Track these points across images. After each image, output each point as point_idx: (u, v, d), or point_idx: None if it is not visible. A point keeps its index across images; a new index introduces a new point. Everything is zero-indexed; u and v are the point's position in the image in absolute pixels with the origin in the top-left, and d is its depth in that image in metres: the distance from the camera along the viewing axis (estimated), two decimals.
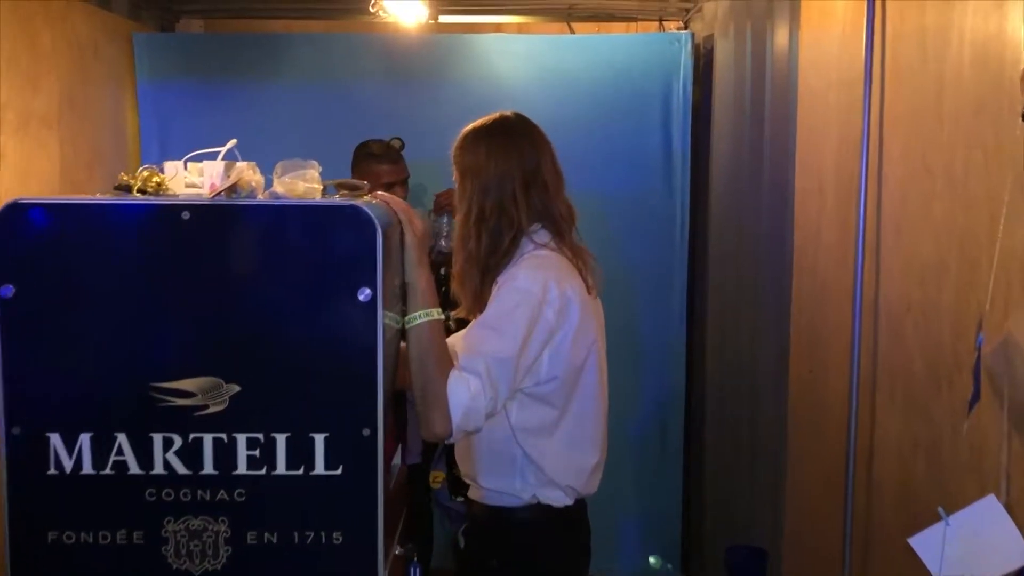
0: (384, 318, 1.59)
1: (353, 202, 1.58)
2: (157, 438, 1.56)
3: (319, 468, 1.56)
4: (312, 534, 1.57)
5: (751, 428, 3.00)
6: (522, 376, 1.81)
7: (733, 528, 3.19)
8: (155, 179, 1.68)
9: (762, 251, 2.93)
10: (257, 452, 1.56)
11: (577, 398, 1.90)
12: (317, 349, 1.56)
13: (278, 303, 1.56)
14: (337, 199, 1.67)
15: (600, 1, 3.88)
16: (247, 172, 1.62)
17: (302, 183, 1.62)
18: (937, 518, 1.42)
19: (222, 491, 1.57)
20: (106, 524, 1.57)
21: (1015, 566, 1.36)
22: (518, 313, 1.79)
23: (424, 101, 3.69)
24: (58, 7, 3.18)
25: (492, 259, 1.87)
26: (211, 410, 1.55)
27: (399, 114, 3.65)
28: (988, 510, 1.40)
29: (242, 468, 1.56)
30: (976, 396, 1.43)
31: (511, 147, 1.89)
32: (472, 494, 1.97)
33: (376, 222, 1.55)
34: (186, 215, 1.55)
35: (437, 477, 3.41)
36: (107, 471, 1.56)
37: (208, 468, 1.56)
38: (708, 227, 3.66)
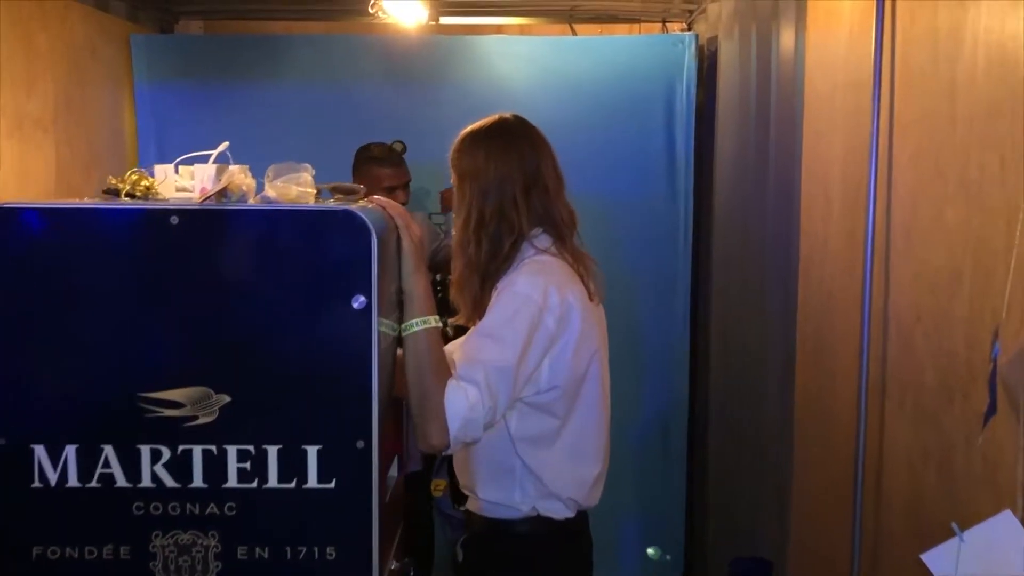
0: (380, 326, 1.55)
1: (347, 207, 1.53)
2: (145, 450, 1.52)
3: (312, 481, 1.52)
4: (305, 550, 1.52)
5: (756, 435, 2.96)
6: (522, 385, 1.76)
7: (738, 538, 3.14)
8: (144, 183, 1.64)
9: (767, 256, 2.88)
10: (248, 465, 1.52)
11: (578, 408, 1.85)
12: (310, 358, 1.51)
13: (270, 311, 1.52)
14: (331, 204, 1.63)
15: (603, 2, 3.83)
16: (238, 176, 1.58)
17: (295, 187, 1.57)
18: (950, 533, 1.37)
19: (212, 505, 1.52)
20: (92, 539, 1.52)
21: None
22: (518, 320, 1.75)
23: (425, 103, 3.66)
24: (55, 9, 3.15)
25: (492, 265, 1.83)
26: (200, 421, 1.51)
27: (399, 116, 3.62)
28: (1004, 526, 1.35)
29: (232, 481, 1.52)
30: (992, 408, 1.38)
31: (510, 150, 1.85)
32: (471, 506, 1.92)
33: (371, 227, 1.51)
34: (174, 220, 1.50)
35: (439, 485, 3.37)
36: (93, 484, 1.52)
37: (197, 481, 1.52)
38: (712, 231, 3.62)
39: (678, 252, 3.71)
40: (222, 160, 1.67)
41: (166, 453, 1.52)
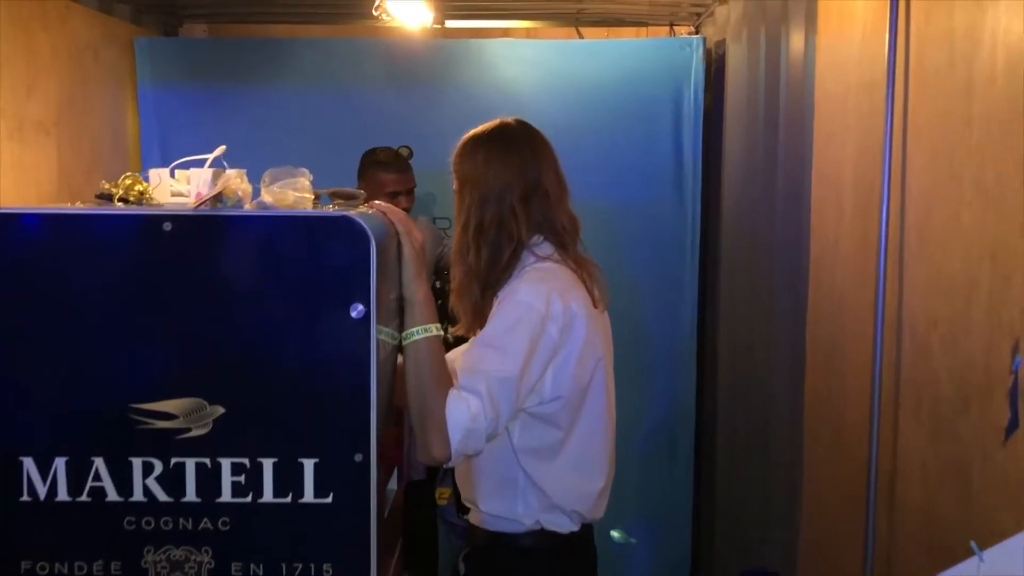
0: (379, 334, 1.51)
1: (346, 213, 1.49)
2: (136, 463, 1.48)
3: (308, 496, 1.47)
4: (300, 566, 1.48)
5: (764, 442, 2.91)
6: (525, 396, 1.72)
7: (746, 547, 3.09)
8: (138, 187, 1.60)
9: (777, 261, 2.84)
10: (242, 478, 1.47)
11: (583, 418, 1.80)
12: (307, 369, 1.47)
13: (265, 320, 1.47)
14: (329, 209, 1.58)
15: (609, 5, 3.79)
16: (234, 180, 1.53)
17: (292, 192, 1.53)
18: (967, 550, 1.32)
19: (205, 519, 1.48)
20: (82, 554, 1.48)
21: None
22: (520, 329, 1.70)
23: (429, 107, 3.63)
24: (57, 12, 3.12)
25: (492, 273, 1.78)
26: (194, 433, 1.47)
27: (404, 120, 3.60)
28: None
29: (226, 495, 1.48)
30: (1014, 423, 1.33)
31: (511, 156, 1.80)
32: (473, 518, 1.87)
33: (370, 234, 1.46)
34: (168, 226, 1.46)
35: (443, 493, 3.33)
36: (83, 498, 1.48)
37: (190, 495, 1.48)
38: (720, 236, 3.58)
39: (685, 256, 3.67)
40: (218, 165, 1.63)
41: (158, 466, 1.47)
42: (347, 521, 1.47)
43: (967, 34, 1.64)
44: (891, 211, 1.98)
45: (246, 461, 1.47)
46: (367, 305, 1.46)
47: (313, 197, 1.57)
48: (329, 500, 1.47)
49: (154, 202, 1.61)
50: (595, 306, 1.83)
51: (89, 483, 1.48)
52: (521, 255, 1.79)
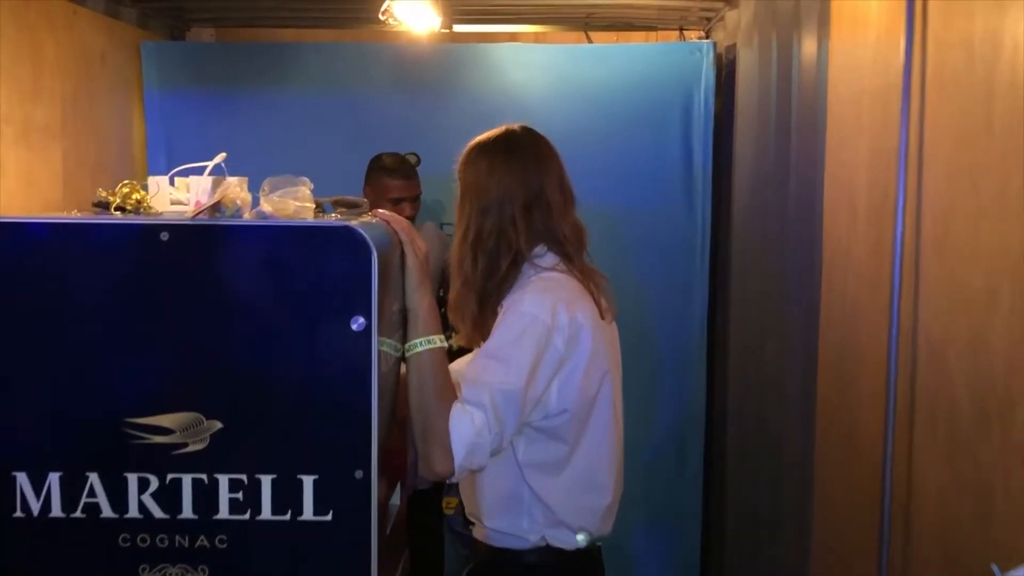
0: (381, 346, 1.47)
1: (346, 223, 1.45)
2: (132, 478, 1.44)
3: (307, 513, 1.44)
4: None
5: (775, 454, 2.86)
6: (530, 409, 1.68)
7: (756, 564, 3.04)
8: (135, 196, 1.57)
9: (788, 269, 2.79)
10: (240, 495, 1.44)
11: (589, 432, 1.76)
12: (306, 383, 1.44)
13: (264, 333, 1.44)
14: (330, 219, 1.55)
15: (619, 10, 3.75)
16: (233, 189, 1.50)
17: (292, 201, 1.49)
18: (988, 573, 1.27)
19: (202, 537, 1.45)
20: (76, 572, 1.45)
21: None
22: (525, 341, 1.66)
23: (436, 112, 3.60)
24: (63, 16, 3.10)
25: (490, 283, 1.74)
26: (190, 448, 1.43)
27: (411, 125, 3.57)
28: None
29: (224, 512, 1.44)
30: None
31: (514, 165, 1.77)
32: (477, 534, 1.83)
33: (371, 244, 1.43)
34: (165, 236, 1.43)
35: (450, 503, 3.29)
36: (78, 514, 1.45)
37: (187, 512, 1.44)
38: (730, 243, 3.53)
39: (695, 263, 3.65)
40: (218, 172, 1.59)
41: (154, 482, 1.44)
42: (347, 540, 1.44)
43: (987, 37, 1.60)
44: (906, 219, 1.93)
45: (244, 477, 1.44)
46: (368, 318, 1.42)
47: (314, 206, 1.53)
48: (329, 518, 1.44)
49: (152, 211, 1.58)
50: (602, 317, 1.79)
51: (83, 499, 1.44)
52: (521, 266, 1.75)
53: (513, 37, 4.16)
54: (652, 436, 3.62)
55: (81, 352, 1.43)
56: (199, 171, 1.63)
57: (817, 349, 2.52)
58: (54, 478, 1.44)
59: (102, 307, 1.43)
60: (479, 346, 1.75)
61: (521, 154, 1.78)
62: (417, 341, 1.63)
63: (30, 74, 2.88)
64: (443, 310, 1.87)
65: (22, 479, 1.44)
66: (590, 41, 4.03)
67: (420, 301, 1.64)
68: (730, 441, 3.50)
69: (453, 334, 1.88)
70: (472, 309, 1.75)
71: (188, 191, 1.65)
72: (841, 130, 2.38)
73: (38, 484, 1.44)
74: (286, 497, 1.44)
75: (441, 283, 3.12)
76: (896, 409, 1.96)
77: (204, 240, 1.44)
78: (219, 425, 1.43)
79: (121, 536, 1.44)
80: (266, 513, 1.44)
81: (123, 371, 1.43)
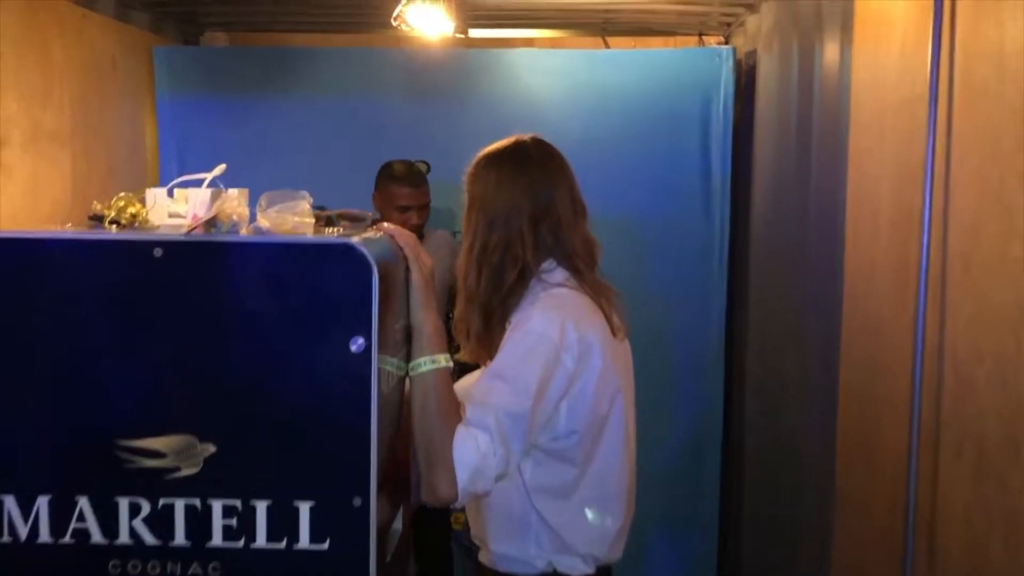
0: (384, 365, 1.41)
1: (347, 239, 1.39)
2: (123, 503, 1.39)
3: (304, 541, 1.38)
4: None
5: (795, 460, 2.78)
6: (537, 431, 1.62)
7: (774, 565, 2.96)
8: (131, 209, 1.52)
9: (808, 280, 2.72)
10: (234, 521, 1.38)
11: (599, 454, 1.70)
12: (303, 406, 1.38)
13: (260, 354, 1.38)
14: (329, 235, 1.49)
15: (637, 14, 3.69)
16: (230, 203, 1.45)
17: (291, 217, 1.44)
18: None
19: (195, 565, 1.39)
20: None
21: None
22: (532, 360, 1.60)
23: (450, 118, 3.55)
24: (73, 21, 3.08)
25: (494, 298, 1.68)
26: (183, 473, 1.38)
27: (424, 131, 3.53)
28: None
29: (217, 539, 1.39)
30: None
31: (522, 177, 1.71)
32: (482, 558, 1.77)
33: (372, 262, 1.37)
34: (158, 252, 1.38)
35: (459, 518, 3.24)
36: (66, 539, 1.39)
37: (179, 539, 1.39)
38: (749, 254, 3.46)
39: (713, 274, 3.59)
40: (215, 185, 1.54)
41: (146, 507, 1.39)
42: (345, 569, 1.38)
43: (1019, 47, 1.52)
44: (932, 234, 1.86)
45: (238, 503, 1.38)
46: (368, 338, 1.36)
47: (314, 221, 1.48)
48: (326, 546, 1.38)
49: (148, 225, 1.53)
50: (613, 335, 1.72)
51: (73, 524, 1.39)
52: (528, 281, 1.69)
53: (529, 42, 4.11)
54: (668, 447, 3.56)
55: (71, 372, 1.38)
56: (199, 183, 1.58)
57: (838, 362, 2.44)
58: (43, 502, 1.39)
59: (94, 325, 1.38)
60: (485, 363, 1.69)
61: (530, 166, 1.72)
62: (421, 360, 1.57)
63: (39, 79, 2.86)
64: (448, 318, 1.82)
65: (9, 503, 1.39)
66: (607, 46, 3.97)
67: (425, 319, 1.58)
68: (747, 454, 3.43)
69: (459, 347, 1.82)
70: (476, 324, 1.69)
71: (187, 203, 1.60)
72: (864, 140, 2.31)
73: (26, 508, 1.39)
74: (282, 524, 1.38)
75: (453, 295, 3.07)
76: (921, 428, 1.88)
77: (199, 257, 1.39)
78: (213, 449, 1.38)
79: (111, 563, 1.39)
80: (261, 541, 1.38)
81: (115, 392, 1.38)
